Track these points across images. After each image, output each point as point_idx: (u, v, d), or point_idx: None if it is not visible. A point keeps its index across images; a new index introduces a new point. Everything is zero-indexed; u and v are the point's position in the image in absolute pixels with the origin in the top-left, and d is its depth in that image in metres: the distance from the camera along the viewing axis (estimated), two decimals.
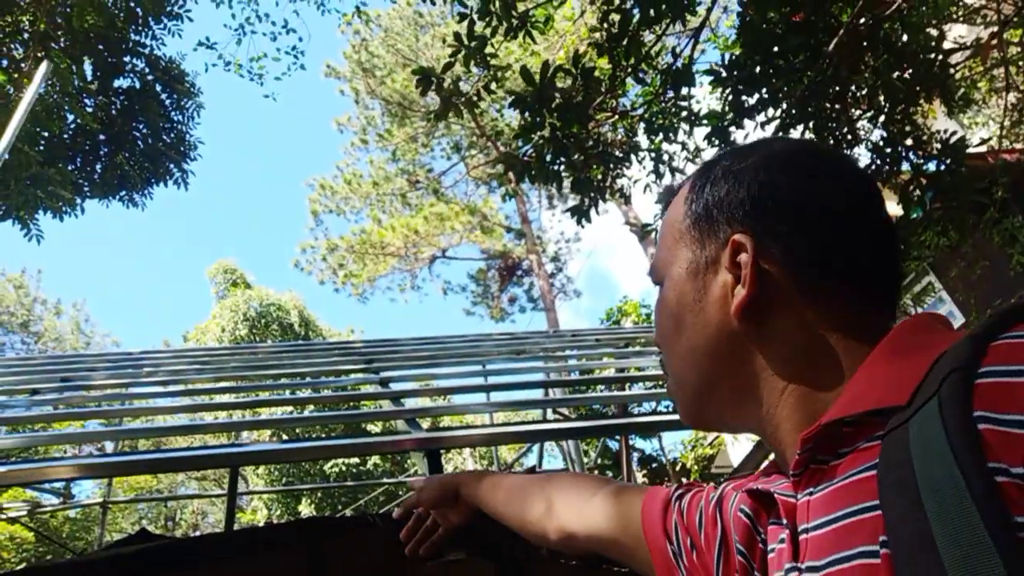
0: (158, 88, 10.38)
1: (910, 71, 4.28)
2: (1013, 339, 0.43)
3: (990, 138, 5.74)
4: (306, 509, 12.64)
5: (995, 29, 4.87)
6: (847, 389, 0.53)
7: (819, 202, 0.59)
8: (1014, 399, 0.40)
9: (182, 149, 10.58)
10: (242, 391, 4.20)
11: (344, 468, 12.61)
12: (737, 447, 11.02)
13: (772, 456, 0.66)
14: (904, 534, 0.41)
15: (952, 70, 5.01)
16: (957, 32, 7.06)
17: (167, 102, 10.49)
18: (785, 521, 0.55)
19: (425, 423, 2.50)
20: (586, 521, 0.87)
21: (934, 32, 4.49)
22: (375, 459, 12.89)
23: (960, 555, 0.37)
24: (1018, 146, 7.02)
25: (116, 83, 10.14)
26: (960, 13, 6.12)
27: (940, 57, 4.38)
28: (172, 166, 10.55)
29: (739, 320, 0.59)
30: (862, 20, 3.88)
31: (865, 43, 4.02)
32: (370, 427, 11.37)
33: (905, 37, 4.27)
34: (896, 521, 0.42)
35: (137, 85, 10.24)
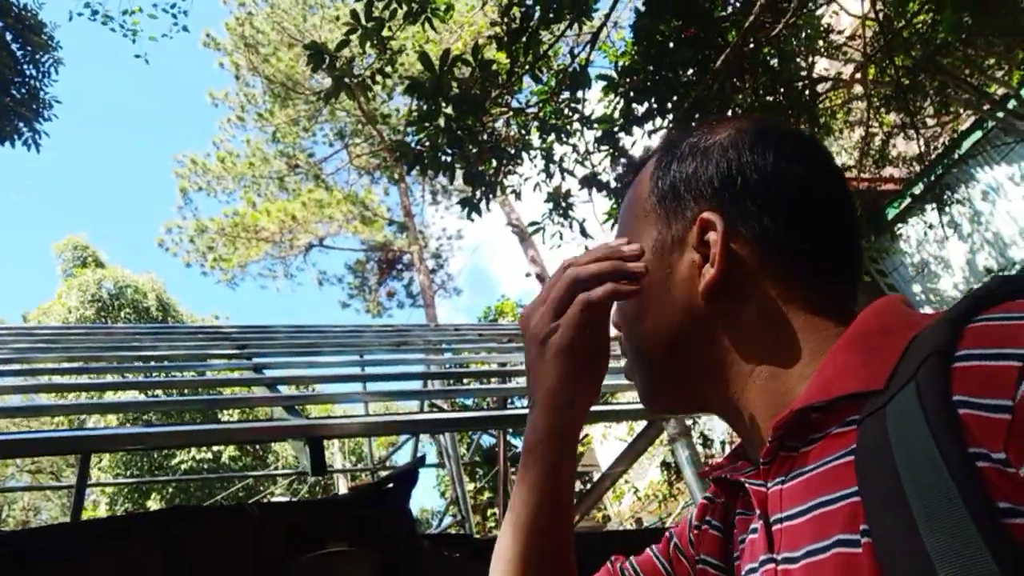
0: (8, 37, 9.36)
1: (783, 94, 4.60)
2: (989, 321, 0.42)
3: (849, 167, 6.27)
4: (155, 505, 11.83)
5: (856, 64, 5.33)
6: (818, 373, 0.52)
7: (788, 181, 0.59)
8: (993, 383, 0.39)
9: (35, 107, 9.59)
10: (92, 372, 3.84)
11: (197, 463, 11.91)
12: (606, 446, 11.39)
13: (733, 438, 0.65)
14: (886, 522, 0.40)
15: (819, 100, 5.44)
16: (822, 65, 7.66)
17: (19, 54, 9.48)
18: (758, 511, 0.54)
19: (311, 409, 2.39)
20: None
21: (803, 63, 4.86)
22: (230, 452, 12.26)
23: (945, 543, 0.37)
24: (865, 176, 7.72)
25: None
26: (824, 48, 6.64)
27: (808, 86, 4.75)
28: (22, 124, 9.54)
29: (706, 301, 0.58)
30: (746, 42, 4.11)
31: (747, 64, 4.27)
32: (229, 415, 10.79)
33: (777, 64, 4.59)
34: (877, 509, 0.41)
35: None
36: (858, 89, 6.87)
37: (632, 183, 0.70)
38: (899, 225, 7.67)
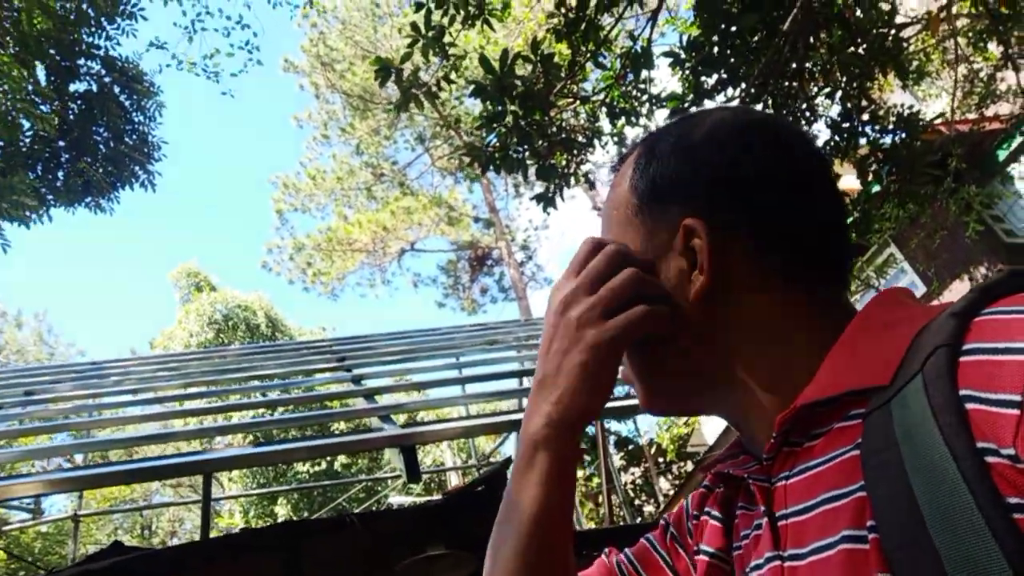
0: (116, 90, 10.13)
1: (864, 46, 4.34)
2: (996, 315, 0.42)
3: (943, 113, 5.86)
4: (282, 510, 12.53)
5: (944, 2, 4.96)
6: (823, 369, 0.51)
7: (771, 177, 0.57)
8: (1000, 378, 0.38)
9: (146, 151, 10.37)
10: (212, 396, 4.14)
11: (319, 468, 12.52)
12: (711, 425, 11.18)
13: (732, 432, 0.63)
14: (894, 518, 0.40)
15: (905, 44, 5.10)
16: (909, 5, 7.18)
17: (127, 103, 10.25)
18: (762, 507, 0.53)
19: (400, 418, 2.49)
20: None
21: (886, 7, 4.56)
22: (342, 459, 12.75)
23: (953, 538, 0.37)
24: (971, 116, 7.17)
25: (72, 87, 9.87)
26: None
27: (893, 31, 4.46)
28: (137, 168, 10.34)
29: (699, 306, 0.56)
30: None
31: (819, 20, 4.07)
32: (338, 425, 11.27)
33: (859, 13, 4.33)
34: (884, 504, 0.41)
35: (94, 88, 9.98)
36: (956, 24, 6.39)
37: (612, 183, 0.67)
38: (1012, 166, 7.10)
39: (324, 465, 12.58)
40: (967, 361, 0.40)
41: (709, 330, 0.57)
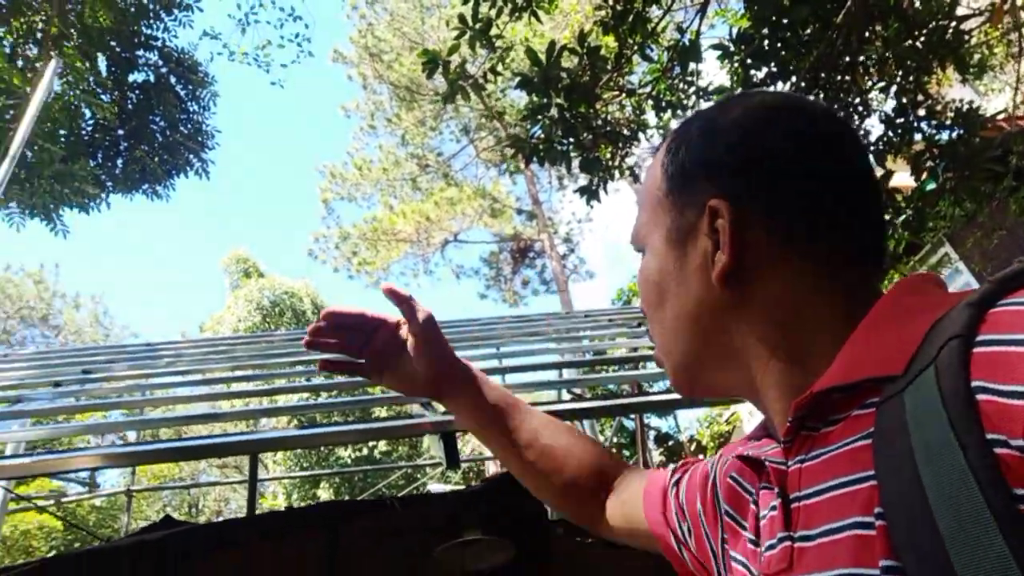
0: (172, 80, 10.44)
1: (922, 39, 4.21)
2: (1012, 306, 0.41)
3: (1005, 109, 5.63)
4: (325, 494, 12.76)
5: None
6: (841, 355, 0.51)
7: (798, 159, 0.57)
8: (1014, 369, 0.38)
9: (200, 139, 10.68)
10: (259, 379, 4.24)
11: (360, 454, 12.72)
12: (753, 422, 11.03)
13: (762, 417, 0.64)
14: (901, 506, 0.40)
15: (966, 36, 4.92)
16: None
17: (182, 93, 10.55)
18: (776, 488, 0.54)
19: (441, 407, 2.52)
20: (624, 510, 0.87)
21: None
22: (382, 445, 12.89)
23: (958, 528, 0.37)
24: None
25: (131, 77, 10.22)
26: None
27: (953, 23, 4.31)
28: (191, 156, 10.67)
29: (721, 287, 0.57)
30: None
31: (875, 12, 3.96)
32: (379, 412, 11.41)
33: (917, 4, 4.20)
34: (892, 492, 0.41)
35: (152, 78, 10.31)
36: (1021, 15, 6.13)
37: (648, 168, 0.69)
38: None
39: (365, 451, 12.77)
40: (980, 352, 0.40)
41: (731, 310, 0.58)
